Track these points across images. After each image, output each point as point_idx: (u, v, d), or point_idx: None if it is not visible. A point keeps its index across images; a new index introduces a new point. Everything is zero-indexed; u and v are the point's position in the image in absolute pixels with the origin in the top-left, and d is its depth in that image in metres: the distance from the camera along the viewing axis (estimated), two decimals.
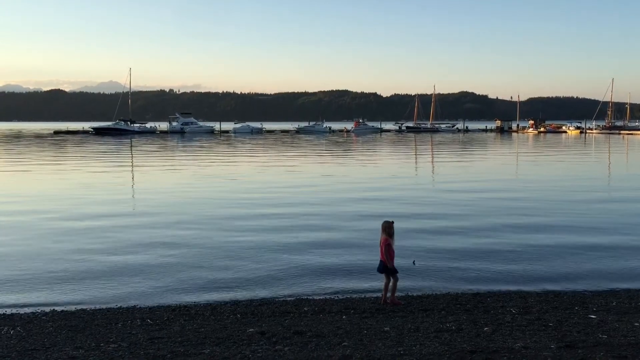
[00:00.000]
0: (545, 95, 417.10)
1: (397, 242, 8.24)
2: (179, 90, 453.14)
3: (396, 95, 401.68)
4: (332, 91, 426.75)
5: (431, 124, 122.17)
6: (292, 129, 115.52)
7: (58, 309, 8.28)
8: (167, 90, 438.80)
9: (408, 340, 6.27)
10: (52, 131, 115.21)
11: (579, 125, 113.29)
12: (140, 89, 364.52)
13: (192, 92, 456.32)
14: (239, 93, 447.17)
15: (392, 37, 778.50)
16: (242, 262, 10.87)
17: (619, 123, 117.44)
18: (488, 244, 12.31)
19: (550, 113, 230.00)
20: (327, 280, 9.65)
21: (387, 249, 7.90)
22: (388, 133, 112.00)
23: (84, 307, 8.39)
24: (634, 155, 46.18)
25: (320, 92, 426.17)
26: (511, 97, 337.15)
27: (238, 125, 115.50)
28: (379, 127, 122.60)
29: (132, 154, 47.50)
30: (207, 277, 9.87)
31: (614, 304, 7.99)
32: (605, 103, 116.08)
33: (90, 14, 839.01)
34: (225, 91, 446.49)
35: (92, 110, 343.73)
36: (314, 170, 31.40)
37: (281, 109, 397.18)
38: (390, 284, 8.07)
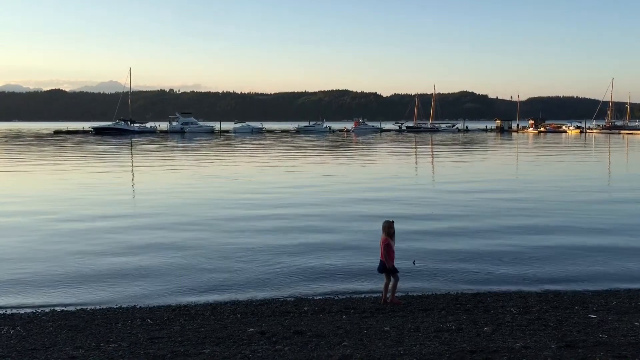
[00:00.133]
0: (545, 95, 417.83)
1: (398, 243, 8.24)
2: (179, 90, 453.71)
3: (396, 95, 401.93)
4: (332, 91, 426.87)
5: (431, 123, 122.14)
6: (292, 129, 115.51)
7: (58, 308, 8.28)
8: (167, 90, 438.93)
9: (408, 340, 6.27)
10: (52, 131, 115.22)
11: (579, 125, 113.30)
12: (140, 89, 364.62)
13: (192, 92, 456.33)
14: (239, 93, 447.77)
15: (392, 37, 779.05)
16: (242, 263, 10.86)
17: (619, 123, 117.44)
18: (488, 245, 12.30)
19: (550, 113, 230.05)
20: (328, 281, 9.65)
21: (387, 249, 7.90)
22: (388, 133, 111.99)
23: (84, 307, 8.39)
24: (634, 155, 46.18)
25: (320, 92, 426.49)
26: (511, 97, 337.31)
27: (238, 125, 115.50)
28: (379, 127, 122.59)
29: (132, 154, 47.50)
30: (207, 278, 9.86)
31: (614, 303, 7.99)
32: (605, 103, 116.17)
33: (90, 14, 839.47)
34: (225, 91, 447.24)
35: (92, 110, 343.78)
36: (314, 171, 31.40)
37: (281, 108, 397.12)
38: (390, 283, 8.07)
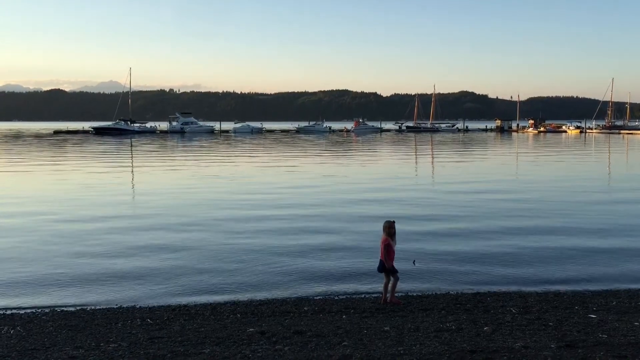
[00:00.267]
0: (545, 94, 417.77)
1: (398, 244, 8.23)
2: (179, 90, 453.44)
3: (396, 95, 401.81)
4: (332, 91, 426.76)
5: (431, 123, 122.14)
6: (292, 129, 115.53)
7: (58, 308, 8.28)
8: (167, 90, 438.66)
9: (408, 340, 6.27)
10: (52, 131, 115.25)
11: (578, 124, 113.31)
12: (140, 89, 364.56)
13: (192, 92, 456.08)
14: (239, 93, 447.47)
15: (392, 37, 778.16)
16: (242, 264, 10.85)
17: (619, 123, 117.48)
18: (488, 245, 12.30)
19: (550, 113, 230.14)
20: (327, 281, 9.64)
21: (387, 249, 7.90)
22: (388, 133, 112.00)
23: (84, 307, 8.39)
24: (634, 155, 46.17)
25: (320, 92, 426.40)
26: (511, 97, 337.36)
27: (238, 125, 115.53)
28: (379, 126, 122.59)
29: (132, 154, 47.51)
30: (207, 279, 9.84)
31: (614, 303, 7.99)
32: (605, 103, 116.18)
33: (90, 14, 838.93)
34: (225, 91, 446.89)
35: (92, 110, 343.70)
36: (314, 171, 31.40)
37: (281, 108, 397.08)
38: (390, 283, 8.07)
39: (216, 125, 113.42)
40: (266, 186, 23.07)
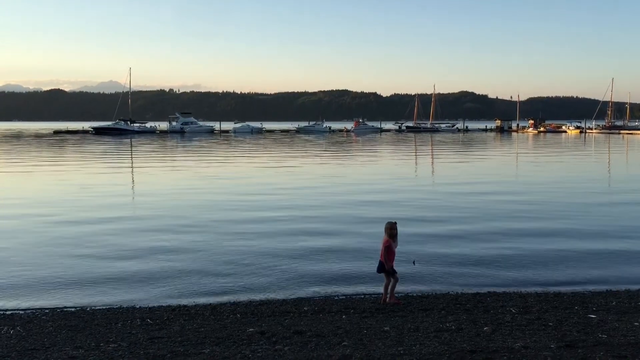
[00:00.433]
0: (545, 95, 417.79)
1: (400, 246, 8.20)
2: (179, 90, 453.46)
3: (396, 95, 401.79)
4: (332, 91, 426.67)
5: (431, 123, 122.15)
6: (292, 129, 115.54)
7: (58, 309, 8.28)
8: (167, 90, 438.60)
9: (408, 340, 6.27)
10: (52, 131, 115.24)
11: (578, 125, 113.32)
12: (140, 89, 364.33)
13: (192, 92, 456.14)
14: (239, 93, 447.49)
15: (392, 37, 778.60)
16: (242, 266, 10.82)
17: (619, 123, 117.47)
18: (488, 246, 12.31)
19: (550, 113, 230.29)
20: (327, 282, 9.63)
21: (387, 251, 7.89)
22: (388, 133, 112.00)
23: (84, 307, 8.39)
24: (634, 156, 46.18)
25: (320, 92, 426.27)
26: (511, 97, 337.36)
27: (238, 125, 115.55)
28: (379, 127, 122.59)
29: (131, 155, 47.50)
30: (207, 281, 9.77)
31: (613, 303, 7.98)
32: (605, 103, 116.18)
33: (90, 14, 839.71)
34: (225, 91, 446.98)
35: (92, 110, 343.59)
36: (314, 171, 31.40)
37: (281, 108, 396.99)
38: (390, 284, 8.07)
39: (216, 126, 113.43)
40: (266, 187, 23.06)
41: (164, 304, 8.42)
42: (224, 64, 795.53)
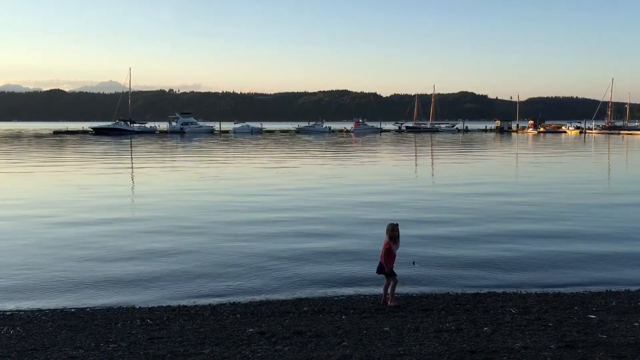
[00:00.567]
0: (545, 95, 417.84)
1: (400, 247, 8.19)
2: (178, 90, 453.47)
3: (396, 95, 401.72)
4: (332, 91, 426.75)
5: (431, 124, 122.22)
6: (292, 129, 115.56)
7: (58, 309, 8.28)
8: (167, 90, 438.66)
9: (408, 340, 6.27)
10: (51, 131, 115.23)
11: (578, 125, 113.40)
12: (140, 89, 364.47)
13: (192, 92, 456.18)
14: (239, 93, 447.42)
15: (392, 37, 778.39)
16: (242, 267, 10.81)
17: (619, 123, 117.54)
18: (488, 246, 12.31)
19: (550, 113, 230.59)
20: (328, 283, 9.63)
21: (387, 253, 7.89)
22: (388, 133, 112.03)
23: (84, 307, 8.39)
24: (634, 156, 46.19)
25: (320, 92, 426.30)
26: (511, 97, 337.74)
27: (238, 125, 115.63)
28: (379, 127, 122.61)
29: (131, 155, 47.50)
30: (206, 282, 9.72)
31: (613, 304, 7.99)
32: (605, 103, 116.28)
33: (90, 14, 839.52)
34: (225, 91, 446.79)
35: (92, 110, 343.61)
36: (314, 172, 31.40)
37: (281, 109, 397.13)
38: (390, 286, 8.06)
39: (216, 126, 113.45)
40: (266, 188, 23.06)
41: (163, 305, 8.42)
42: (224, 64, 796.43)
